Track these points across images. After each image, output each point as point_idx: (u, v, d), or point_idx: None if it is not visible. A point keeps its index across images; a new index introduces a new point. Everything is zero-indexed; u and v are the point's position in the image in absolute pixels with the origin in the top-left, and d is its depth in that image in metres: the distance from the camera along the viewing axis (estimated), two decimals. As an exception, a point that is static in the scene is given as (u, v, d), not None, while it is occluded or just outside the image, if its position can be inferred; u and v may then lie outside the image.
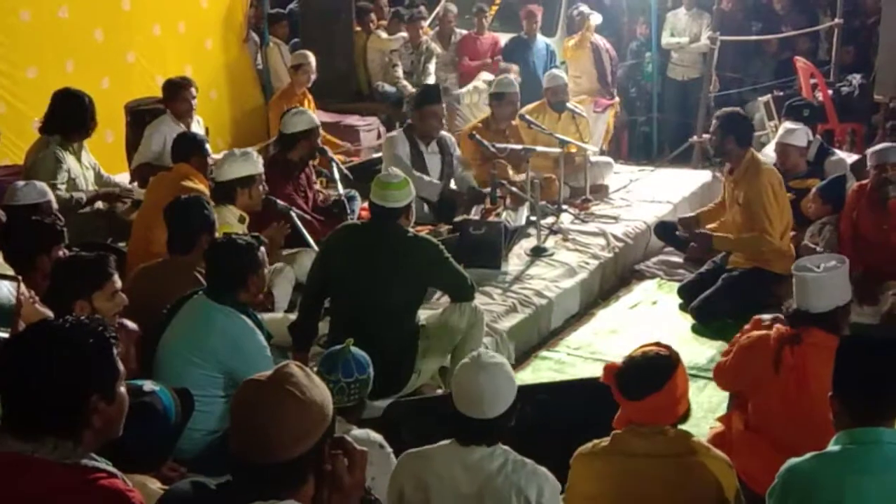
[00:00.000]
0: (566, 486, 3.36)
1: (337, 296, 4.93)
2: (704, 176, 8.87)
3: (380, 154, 8.21)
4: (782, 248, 6.20)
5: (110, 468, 2.41)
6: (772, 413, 3.97)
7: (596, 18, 10.20)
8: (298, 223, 5.85)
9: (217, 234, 4.69)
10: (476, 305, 5.00)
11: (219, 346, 4.03)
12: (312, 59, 8.74)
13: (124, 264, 4.97)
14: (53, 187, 5.77)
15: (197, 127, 7.27)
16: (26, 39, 7.77)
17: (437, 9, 11.41)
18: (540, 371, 5.63)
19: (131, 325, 4.13)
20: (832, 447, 2.98)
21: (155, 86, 7.68)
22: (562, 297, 6.31)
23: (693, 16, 10.81)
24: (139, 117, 7.50)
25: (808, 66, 9.67)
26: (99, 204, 6.45)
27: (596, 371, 5.36)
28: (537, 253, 6.72)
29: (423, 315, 5.02)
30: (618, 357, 3.44)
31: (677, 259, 7.20)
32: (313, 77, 8.77)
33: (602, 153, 9.18)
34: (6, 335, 3.37)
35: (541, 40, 10.30)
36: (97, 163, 6.73)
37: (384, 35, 10.96)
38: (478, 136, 7.38)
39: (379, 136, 9.67)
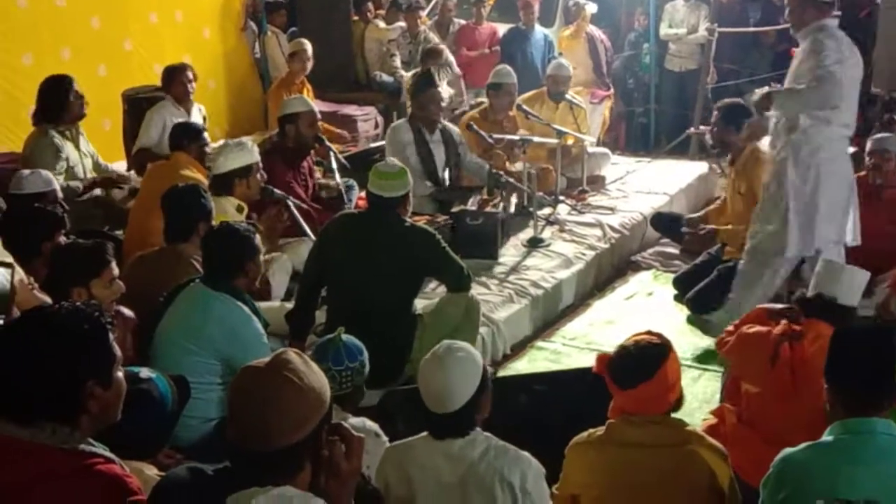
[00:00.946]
0: (561, 476, 3.38)
1: (334, 285, 4.94)
2: (701, 167, 8.88)
3: (377, 144, 8.24)
4: None
5: (108, 454, 2.42)
6: (765, 405, 3.98)
7: (591, 8, 10.20)
8: (296, 212, 5.85)
9: (215, 224, 4.69)
10: (472, 295, 5.01)
11: (216, 333, 4.03)
12: (309, 46, 8.73)
13: (121, 252, 4.98)
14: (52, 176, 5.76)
15: (198, 114, 7.27)
16: (23, 26, 7.76)
17: (435, -3, 11.42)
18: (535, 361, 5.64)
19: (128, 312, 4.14)
20: (826, 437, 2.99)
21: (152, 74, 7.68)
22: (558, 288, 6.33)
23: (691, 7, 10.80)
24: (137, 105, 7.50)
25: (805, 58, 9.65)
26: (96, 191, 6.45)
27: (591, 361, 5.40)
28: (534, 244, 6.73)
29: (420, 304, 5.03)
30: (613, 347, 3.44)
31: (673, 250, 7.21)
32: (309, 65, 8.76)
33: (599, 144, 9.19)
34: (1, 321, 3.37)
35: (539, 31, 10.29)
36: (95, 150, 6.73)
37: (382, 24, 10.95)
38: (475, 127, 7.39)
39: (377, 126, 9.67)
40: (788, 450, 3.02)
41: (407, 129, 6.97)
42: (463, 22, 11.00)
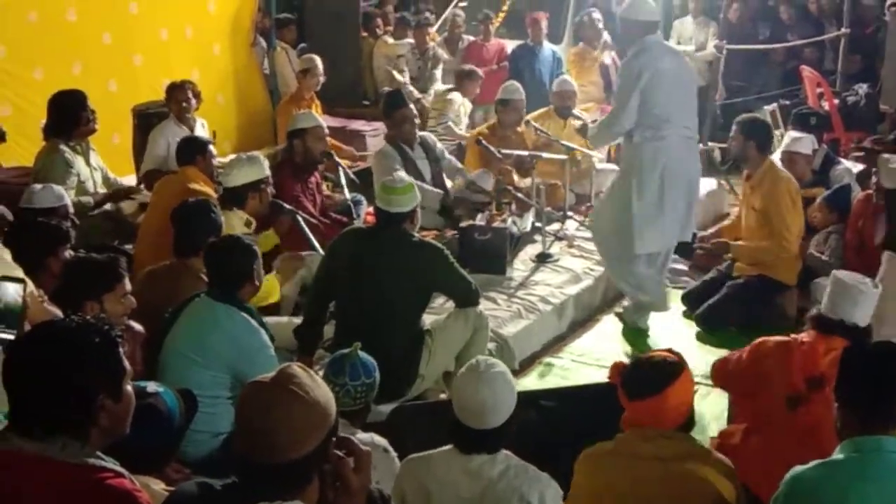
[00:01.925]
0: (570, 489, 3.37)
1: (342, 300, 4.94)
2: (710, 184, 8.86)
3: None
4: (796, 254, 6.20)
5: (118, 468, 2.41)
6: (776, 415, 3.98)
7: (607, 37, 10.20)
8: (304, 227, 5.86)
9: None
10: (481, 311, 5.01)
11: (222, 344, 4.04)
12: (320, 62, 8.76)
13: (131, 267, 4.99)
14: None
15: (201, 129, 7.29)
16: (34, 41, 7.79)
17: (445, 14, 11.43)
18: (544, 377, 5.63)
19: (137, 326, 4.16)
20: (836, 455, 2.98)
21: (162, 89, 7.70)
22: (566, 304, 6.32)
23: (700, 24, 10.82)
24: (146, 121, 7.53)
25: (814, 76, 9.67)
26: (107, 206, 6.47)
27: (600, 377, 5.38)
28: (542, 259, 6.73)
29: (428, 320, 5.02)
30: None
31: (682, 266, 7.19)
32: (321, 81, 8.79)
33: (608, 160, 9.19)
34: (12, 336, 3.37)
35: (547, 47, 10.31)
36: (104, 165, 6.75)
37: (391, 40, 10.98)
38: (484, 142, 7.40)
39: (385, 141, 9.68)
40: (798, 468, 3.01)
41: (392, 151, 6.92)
42: (472, 38, 11.03)
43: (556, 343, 6.14)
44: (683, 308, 6.52)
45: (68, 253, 4.48)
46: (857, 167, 7.58)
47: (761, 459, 3.84)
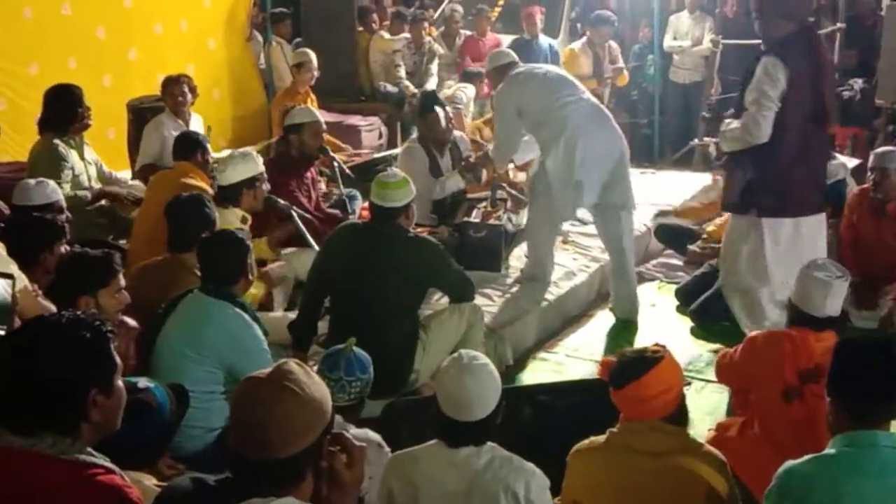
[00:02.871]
0: (563, 484, 3.38)
1: (337, 295, 4.94)
2: (705, 179, 8.88)
3: (382, 154, 8.26)
4: None
5: (108, 464, 2.41)
6: (771, 409, 3.99)
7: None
8: (299, 222, 5.85)
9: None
10: (476, 305, 5.02)
11: (216, 339, 4.03)
12: (314, 57, 8.74)
13: (126, 262, 4.98)
14: (58, 185, 5.77)
15: (197, 125, 7.28)
16: (29, 36, 7.79)
17: (442, 8, 11.42)
18: (538, 372, 5.63)
19: (131, 322, 4.15)
20: (829, 450, 2.98)
21: (157, 84, 7.68)
22: (561, 299, 6.32)
23: (696, 19, 10.82)
24: (141, 115, 7.52)
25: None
26: (103, 201, 6.46)
27: (594, 372, 5.39)
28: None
29: (423, 315, 5.02)
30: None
31: (677, 262, 7.21)
32: (316, 75, 8.77)
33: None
34: (2, 332, 3.37)
35: (544, 41, 10.29)
36: (99, 158, 6.75)
37: (387, 35, 10.97)
38: (478, 138, 7.40)
39: (381, 136, 9.68)
40: (791, 462, 3.01)
41: (422, 155, 6.89)
42: (469, 33, 11.02)
43: (551, 338, 6.13)
44: (677, 303, 6.52)
45: (64, 248, 4.48)
46: (853, 162, 7.59)
47: (757, 453, 3.86)
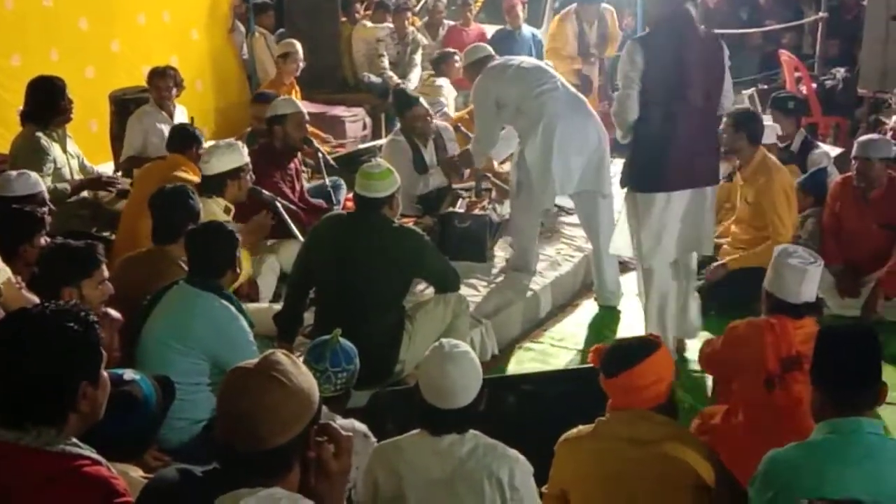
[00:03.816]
0: (550, 473, 3.40)
1: (322, 286, 4.94)
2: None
3: (366, 145, 8.25)
4: None
5: (95, 455, 2.41)
6: (754, 397, 4.01)
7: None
8: (283, 213, 5.84)
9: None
10: (461, 295, 5.03)
11: (203, 331, 4.03)
12: (299, 47, 8.73)
13: (110, 254, 4.97)
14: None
15: (181, 117, 7.26)
16: (10, 27, 7.73)
17: (426, -1, 11.42)
18: (524, 362, 5.65)
19: (114, 313, 4.13)
20: (813, 437, 3.01)
21: (139, 75, 7.66)
22: (546, 289, 6.33)
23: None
24: (124, 107, 7.49)
25: (792, 60, 9.71)
26: (84, 192, 6.43)
27: (579, 361, 5.41)
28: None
29: (408, 305, 5.03)
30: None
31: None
32: (301, 66, 8.76)
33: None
34: None
35: (527, 30, 10.26)
36: (81, 152, 6.72)
37: (370, 25, 10.95)
38: (463, 129, 7.40)
39: (365, 127, 9.66)
40: (776, 449, 3.04)
41: (406, 149, 6.89)
42: (452, 24, 11.00)
43: (536, 328, 6.15)
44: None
45: (44, 240, 4.46)
46: (835, 151, 7.62)
47: (741, 440, 3.88)
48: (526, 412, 4.29)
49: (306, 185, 6.82)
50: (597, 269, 6.38)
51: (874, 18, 8.77)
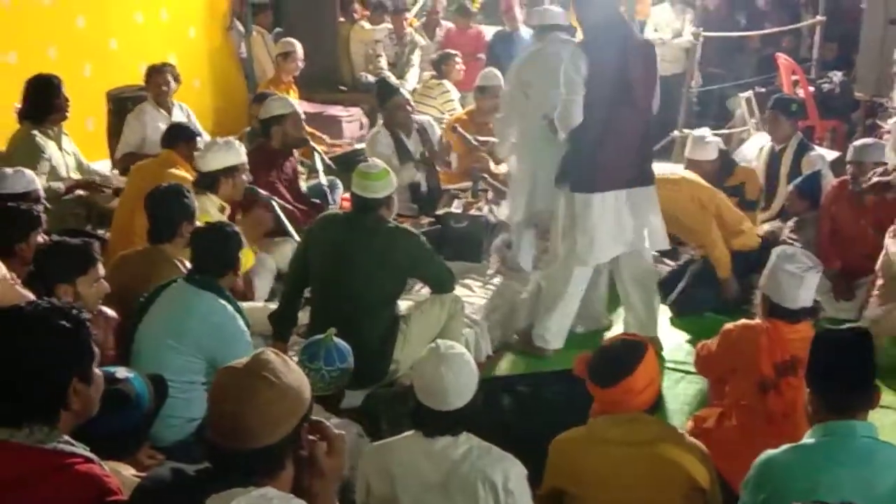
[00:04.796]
0: (544, 475, 3.40)
1: (317, 286, 4.94)
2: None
3: (362, 145, 8.23)
4: (735, 247, 6.23)
5: (87, 453, 2.41)
6: (747, 400, 4.02)
7: None
8: (280, 213, 5.84)
9: (197, 223, 4.69)
10: (456, 296, 5.02)
11: (200, 329, 4.03)
12: (299, 46, 8.74)
13: (105, 251, 4.96)
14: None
15: (180, 114, 7.25)
16: (8, 25, 7.71)
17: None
18: (518, 363, 5.64)
19: (110, 312, 4.14)
20: (807, 440, 3.01)
21: (137, 73, 7.65)
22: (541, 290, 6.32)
23: (677, 11, 10.82)
24: (121, 105, 7.48)
25: (789, 63, 9.71)
26: (79, 191, 6.43)
27: (573, 363, 5.39)
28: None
29: (403, 306, 5.03)
30: (593, 349, 3.50)
31: (656, 252, 7.20)
32: (300, 65, 8.77)
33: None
34: None
35: (525, 32, 10.26)
36: (77, 149, 6.71)
37: (367, 25, 10.94)
38: (460, 129, 7.41)
39: (362, 127, 9.66)
40: (769, 452, 3.04)
41: (388, 140, 6.93)
42: (450, 24, 11.00)
43: (531, 329, 6.13)
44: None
45: (40, 238, 4.45)
46: (832, 154, 7.62)
47: (734, 443, 3.89)
48: (519, 413, 4.30)
49: (303, 184, 6.82)
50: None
51: (872, 22, 8.77)
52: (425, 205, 6.81)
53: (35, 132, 6.26)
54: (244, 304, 4.63)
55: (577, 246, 5.46)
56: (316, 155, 6.76)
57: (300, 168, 6.99)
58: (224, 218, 5.19)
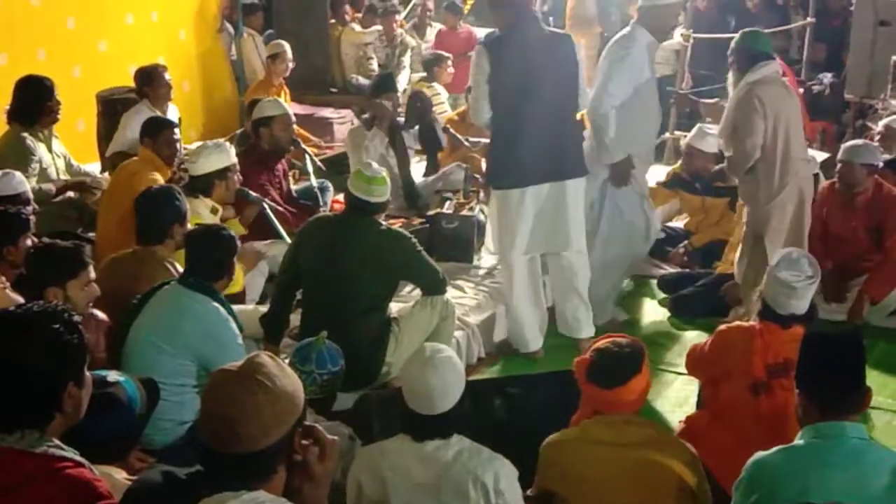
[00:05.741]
0: (535, 476, 3.40)
1: (309, 288, 4.93)
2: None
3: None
4: None
5: (77, 457, 2.40)
6: (739, 402, 4.02)
7: None
8: (271, 215, 5.84)
9: (189, 226, 4.68)
10: (448, 299, 5.01)
11: (192, 332, 4.02)
12: (288, 48, 8.74)
13: (94, 254, 4.94)
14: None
15: (174, 115, 7.23)
16: (-3, 26, 7.71)
17: (414, 0, 11.41)
18: (510, 365, 5.64)
19: (101, 315, 4.12)
20: (798, 441, 3.01)
21: (127, 75, 7.62)
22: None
23: (667, 13, 10.83)
24: (111, 107, 7.46)
25: (779, 65, 9.72)
26: (70, 193, 6.41)
27: (566, 364, 5.39)
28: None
29: (395, 308, 5.02)
30: (586, 351, 3.50)
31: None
32: (290, 66, 8.76)
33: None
34: None
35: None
36: (67, 152, 6.70)
37: (358, 28, 10.94)
38: (451, 130, 7.40)
39: (352, 129, 9.66)
40: (761, 453, 3.04)
41: (361, 130, 6.95)
42: (441, 26, 11.00)
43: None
44: (651, 295, 6.57)
45: (30, 240, 4.43)
46: (822, 156, 7.64)
47: (726, 445, 3.89)
48: (511, 414, 4.30)
49: (293, 186, 6.82)
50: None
51: (861, 24, 8.81)
52: (417, 205, 6.83)
53: (25, 134, 6.23)
54: (235, 307, 4.62)
55: (501, 243, 5.57)
56: (306, 157, 6.75)
57: (291, 171, 6.98)
58: (217, 220, 5.18)
